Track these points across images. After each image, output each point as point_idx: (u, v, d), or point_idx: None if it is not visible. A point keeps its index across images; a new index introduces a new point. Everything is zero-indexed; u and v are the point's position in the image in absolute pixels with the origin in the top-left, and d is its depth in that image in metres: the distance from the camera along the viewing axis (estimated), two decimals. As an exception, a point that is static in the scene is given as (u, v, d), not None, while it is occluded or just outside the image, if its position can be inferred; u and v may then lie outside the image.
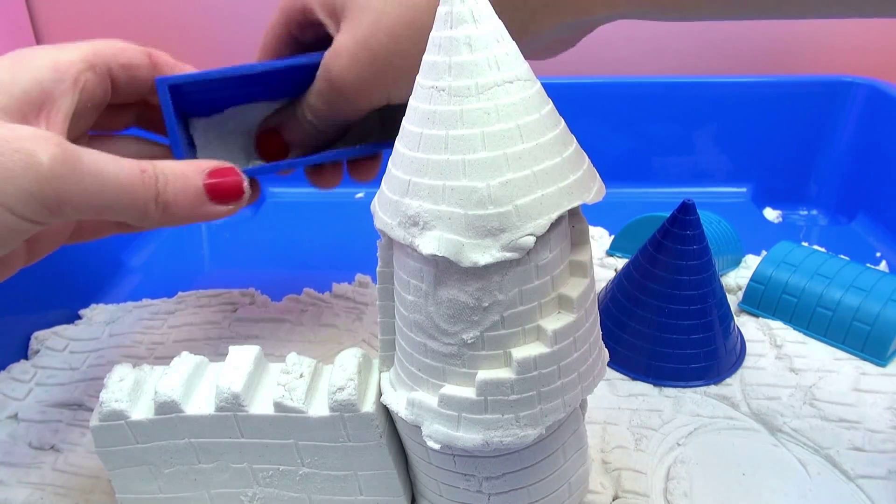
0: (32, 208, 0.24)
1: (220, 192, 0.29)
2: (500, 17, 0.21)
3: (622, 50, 0.69)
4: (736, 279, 0.47)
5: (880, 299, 0.39)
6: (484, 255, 0.21)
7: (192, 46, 0.73)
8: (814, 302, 0.41)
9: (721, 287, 0.39)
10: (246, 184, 0.30)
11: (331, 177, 0.40)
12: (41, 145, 0.24)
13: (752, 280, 0.44)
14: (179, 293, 0.49)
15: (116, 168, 0.27)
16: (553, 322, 0.23)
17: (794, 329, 0.42)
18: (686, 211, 0.37)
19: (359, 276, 0.50)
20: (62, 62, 0.29)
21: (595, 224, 0.56)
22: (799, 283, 0.42)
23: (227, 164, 0.31)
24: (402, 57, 0.29)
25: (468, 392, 0.23)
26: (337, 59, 0.31)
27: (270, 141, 0.37)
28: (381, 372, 0.28)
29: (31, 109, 0.27)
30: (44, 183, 0.24)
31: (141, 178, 0.27)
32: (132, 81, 0.33)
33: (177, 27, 0.73)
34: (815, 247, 0.48)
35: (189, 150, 0.36)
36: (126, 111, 0.36)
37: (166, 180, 0.28)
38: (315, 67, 0.33)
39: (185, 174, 0.29)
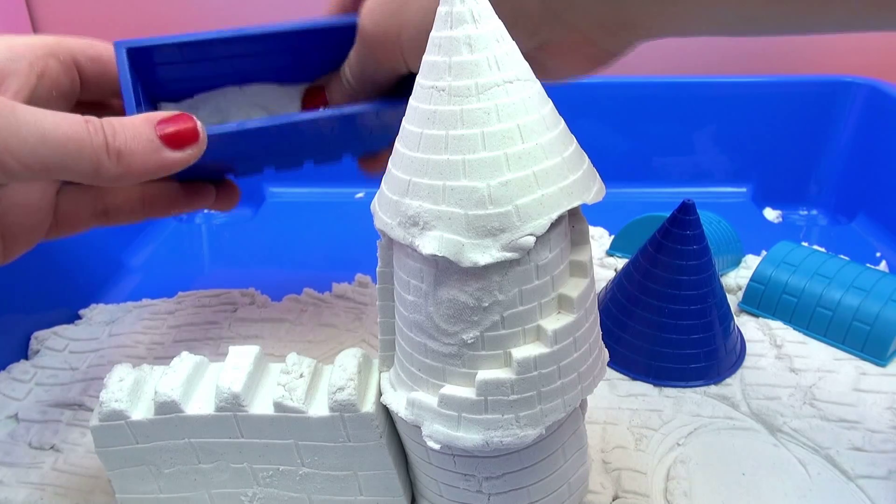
0: None
1: (174, 137, 0.28)
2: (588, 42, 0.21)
3: (622, 50, 0.69)
4: (736, 279, 0.47)
5: (880, 299, 0.39)
6: (484, 255, 0.21)
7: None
8: (814, 302, 0.41)
9: (721, 287, 0.39)
10: (200, 126, 0.29)
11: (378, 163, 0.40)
12: None
13: (752, 280, 0.44)
14: (179, 293, 0.49)
15: (56, 118, 0.26)
16: (553, 322, 0.23)
17: (795, 329, 0.42)
18: (686, 211, 0.37)
19: (359, 276, 0.50)
20: (18, 45, 0.29)
21: (595, 224, 0.56)
22: (799, 283, 0.42)
23: (176, 112, 0.29)
24: (415, 6, 0.29)
25: (468, 392, 0.23)
26: (364, 9, 0.31)
27: (315, 98, 0.37)
28: (381, 372, 0.28)
29: None
30: None
31: (85, 127, 0.26)
32: (103, 77, 0.33)
33: (176, 28, 0.73)
34: (815, 247, 0.48)
35: None
36: (105, 112, 0.35)
37: (114, 130, 0.27)
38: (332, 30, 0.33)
39: (133, 123, 0.28)
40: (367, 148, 0.39)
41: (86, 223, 0.35)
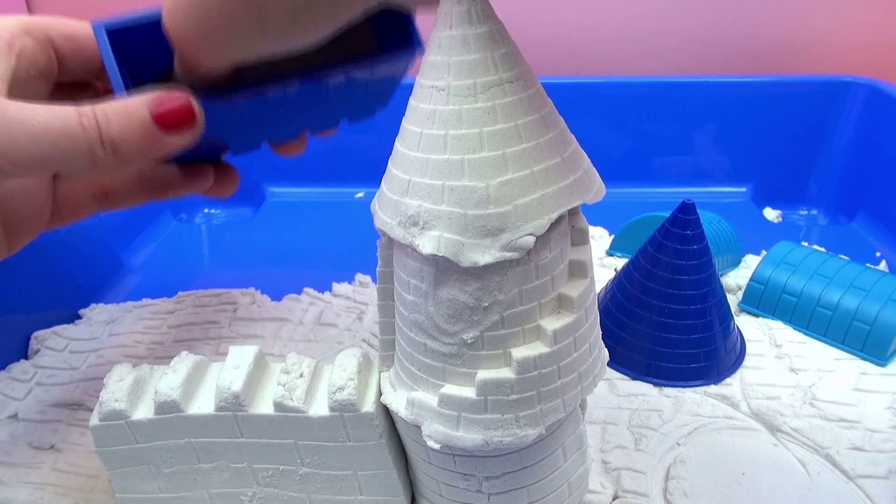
0: None
1: (169, 120, 0.27)
2: None
3: (622, 50, 0.69)
4: (736, 279, 0.47)
5: (880, 299, 0.39)
6: (484, 254, 0.21)
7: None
8: (813, 302, 0.41)
9: (721, 287, 0.39)
10: (196, 105, 0.27)
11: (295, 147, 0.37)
12: None
13: (751, 280, 0.44)
14: (179, 293, 0.49)
15: (47, 115, 0.25)
16: (553, 322, 0.23)
17: (794, 329, 0.42)
18: (686, 211, 0.37)
19: (359, 276, 0.50)
20: None
21: (595, 224, 0.56)
22: (799, 283, 0.42)
23: (171, 90, 0.27)
24: None
25: (468, 392, 0.23)
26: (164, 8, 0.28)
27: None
28: (380, 372, 0.28)
29: None
30: None
31: (78, 120, 0.25)
32: (79, 54, 0.31)
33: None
34: (815, 247, 0.48)
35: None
36: (86, 93, 0.34)
37: (108, 119, 0.26)
38: None
39: (127, 109, 0.26)
40: (363, 111, 0.38)
41: (87, 208, 0.34)
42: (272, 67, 0.31)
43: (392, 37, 0.33)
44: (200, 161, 0.37)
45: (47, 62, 0.31)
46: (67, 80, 0.32)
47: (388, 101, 0.38)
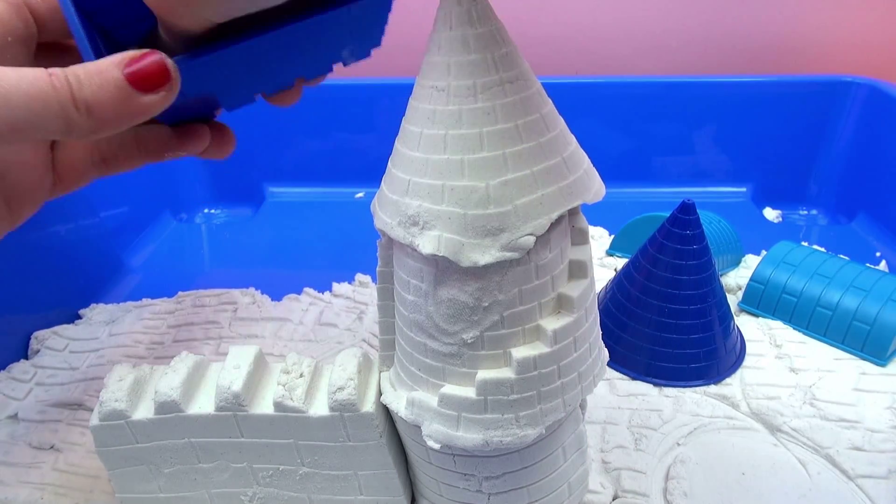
0: None
1: (142, 79, 0.26)
2: None
3: (622, 50, 0.69)
4: (736, 279, 0.47)
5: (880, 299, 0.39)
6: (484, 254, 0.21)
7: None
8: (813, 302, 0.41)
9: (721, 287, 0.39)
10: (170, 63, 0.27)
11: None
12: None
13: (751, 280, 0.44)
14: (180, 293, 0.49)
15: (17, 77, 0.24)
16: (553, 322, 0.23)
17: (794, 329, 0.42)
18: (686, 211, 0.37)
19: (359, 276, 0.50)
20: None
21: (595, 224, 0.56)
22: (798, 283, 0.42)
23: (144, 50, 0.27)
24: None
25: (468, 392, 0.23)
26: None
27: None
28: (380, 371, 0.28)
29: None
30: None
31: (49, 81, 0.25)
32: (57, 13, 0.31)
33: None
34: (815, 247, 0.48)
35: None
36: (69, 57, 0.33)
37: (79, 80, 0.25)
38: None
39: (99, 69, 0.26)
40: (357, 52, 0.37)
41: (87, 174, 0.34)
42: (254, 17, 0.29)
43: None
44: (194, 120, 0.37)
45: (24, 26, 0.30)
46: (47, 40, 0.31)
47: (380, 39, 0.37)
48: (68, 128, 0.25)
